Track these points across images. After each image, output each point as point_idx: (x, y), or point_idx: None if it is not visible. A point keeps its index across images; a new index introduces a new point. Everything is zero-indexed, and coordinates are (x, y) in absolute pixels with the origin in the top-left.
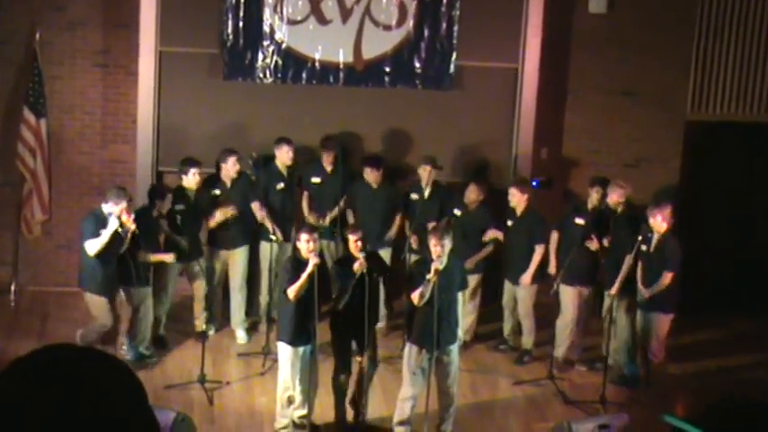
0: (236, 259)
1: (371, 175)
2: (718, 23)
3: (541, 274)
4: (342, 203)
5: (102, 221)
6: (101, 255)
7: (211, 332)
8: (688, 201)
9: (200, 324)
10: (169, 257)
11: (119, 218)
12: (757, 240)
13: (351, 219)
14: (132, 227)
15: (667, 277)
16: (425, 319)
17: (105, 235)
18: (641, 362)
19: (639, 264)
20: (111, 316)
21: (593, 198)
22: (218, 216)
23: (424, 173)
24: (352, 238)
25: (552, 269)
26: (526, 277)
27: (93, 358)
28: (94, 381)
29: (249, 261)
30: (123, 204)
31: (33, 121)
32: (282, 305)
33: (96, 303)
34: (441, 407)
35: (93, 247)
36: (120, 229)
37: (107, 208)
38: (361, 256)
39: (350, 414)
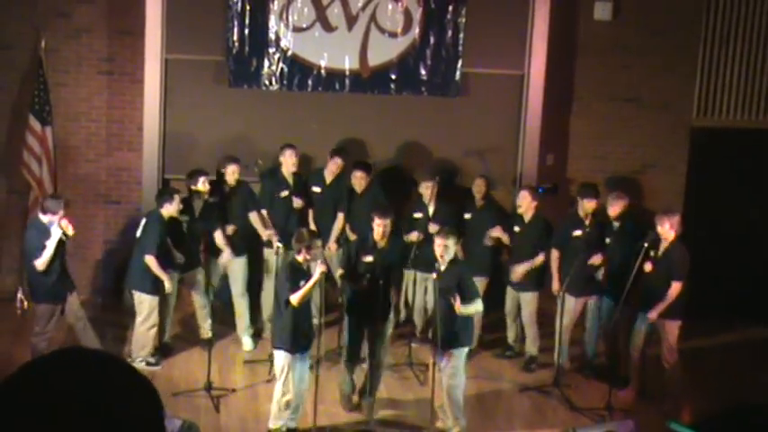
0: (235, 268)
1: (358, 180)
2: (723, 30)
3: (542, 282)
4: (340, 220)
5: (44, 232)
6: (49, 267)
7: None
8: (694, 206)
9: (205, 332)
10: (167, 282)
11: (59, 225)
12: (764, 245)
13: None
14: (71, 233)
15: (676, 287)
16: (432, 318)
17: (50, 247)
18: (637, 371)
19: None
20: (53, 326)
21: (586, 207)
22: (219, 237)
23: (427, 190)
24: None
25: (555, 285)
26: (519, 269)
27: (101, 361)
28: (101, 384)
29: (251, 268)
30: (61, 212)
31: (39, 129)
32: (280, 312)
33: (43, 311)
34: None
35: (42, 263)
36: (63, 237)
37: (46, 218)
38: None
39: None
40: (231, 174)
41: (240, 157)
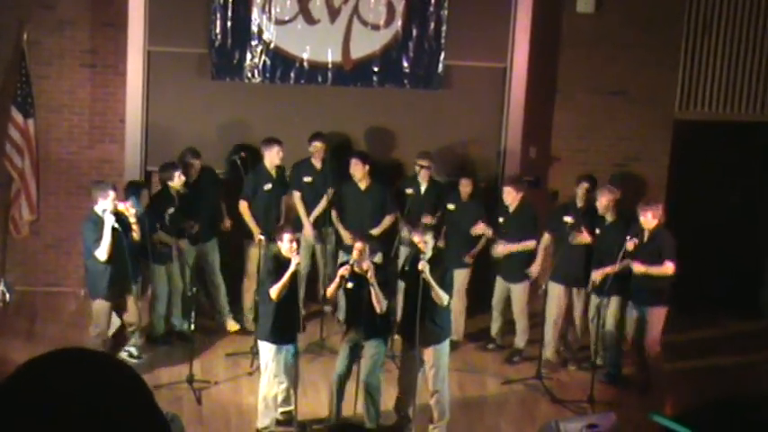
0: (209, 251)
1: (357, 169)
2: (706, 22)
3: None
4: (326, 198)
5: (100, 223)
6: (110, 257)
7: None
8: (676, 199)
9: (187, 325)
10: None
11: (114, 212)
12: (745, 239)
13: (335, 217)
14: (132, 211)
15: (669, 267)
16: (409, 314)
17: (106, 235)
18: (636, 362)
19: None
20: (109, 322)
21: (580, 195)
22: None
23: (422, 169)
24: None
25: (536, 268)
26: (534, 267)
27: (100, 362)
28: (101, 386)
29: (237, 260)
30: (111, 195)
31: (21, 121)
32: (264, 304)
33: (99, 309)
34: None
35: (101, 252)
36: (116, 225)
37: (99, 207)
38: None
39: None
40: (195, 171)
41: (223, 150)
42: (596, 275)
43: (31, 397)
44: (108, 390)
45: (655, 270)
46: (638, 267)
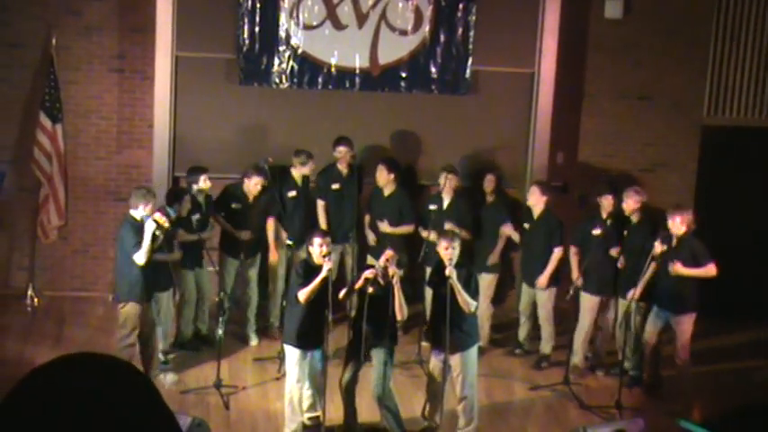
0: (249, 266)
1: (381, 175)
2: (734, 28)
3: (558, 279)
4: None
5: (139, 228)
6: (149, 262)
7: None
8: (704, 205)
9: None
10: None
11: (155, 219)
12: None
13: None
14: (167, 224)
15: (711, 268)
16: (437, 321)
17: (146, 240)
18: (650, 364)
19: (657, 265)
20: (139, 322)
21: (605, 205)
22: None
23: (445, 181)
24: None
25: (575, 275)
26: (543, 279)
27: (109, 368)
28: (109, 392)
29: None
30: (152, 203)
31: (49, 126)
32: (291, 308)
33: (130, 311)
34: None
35: (140, 256)
36: (157, 232)
37: (138, 213)
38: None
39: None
40: (254, 185)
41: (250, 155)
42: (636, 293)
43: (39, 401)
44: (116, 393)
45: (698, 272)
46: (678, 268)
